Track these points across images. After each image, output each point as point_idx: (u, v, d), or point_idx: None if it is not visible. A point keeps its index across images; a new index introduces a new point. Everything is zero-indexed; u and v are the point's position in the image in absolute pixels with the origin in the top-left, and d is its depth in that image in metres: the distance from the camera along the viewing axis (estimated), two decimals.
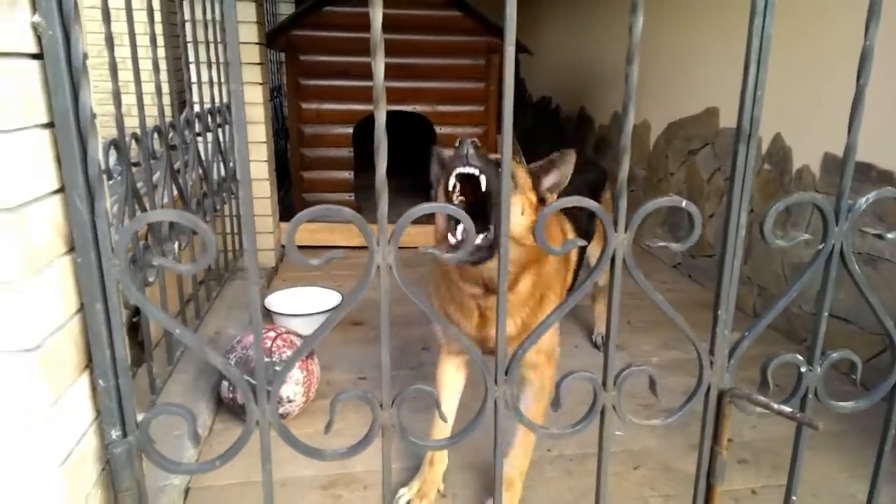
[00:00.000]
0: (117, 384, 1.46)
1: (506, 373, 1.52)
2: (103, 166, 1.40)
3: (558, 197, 2.18)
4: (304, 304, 4.10)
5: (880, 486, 1.86)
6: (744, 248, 1.57)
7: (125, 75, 2.14)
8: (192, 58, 3.56)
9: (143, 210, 2.33)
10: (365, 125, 5.62)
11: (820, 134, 3.77)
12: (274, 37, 5.53)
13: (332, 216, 1.35)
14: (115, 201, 2.19)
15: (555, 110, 8.20)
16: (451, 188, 1.94)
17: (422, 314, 1.48)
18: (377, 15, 1.23)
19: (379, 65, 1.26)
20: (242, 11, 4.28)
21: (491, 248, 1.91)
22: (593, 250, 3.21)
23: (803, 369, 1.69)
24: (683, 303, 4.43)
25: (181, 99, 3.38)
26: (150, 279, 2.18)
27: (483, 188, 1.88)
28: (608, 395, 1.60)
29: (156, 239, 2.41)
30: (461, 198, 1.97)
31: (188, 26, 3.43)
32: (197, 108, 3.50)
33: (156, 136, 2.66)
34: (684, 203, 1.49)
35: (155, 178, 2.57)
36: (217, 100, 3.86)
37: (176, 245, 2.56)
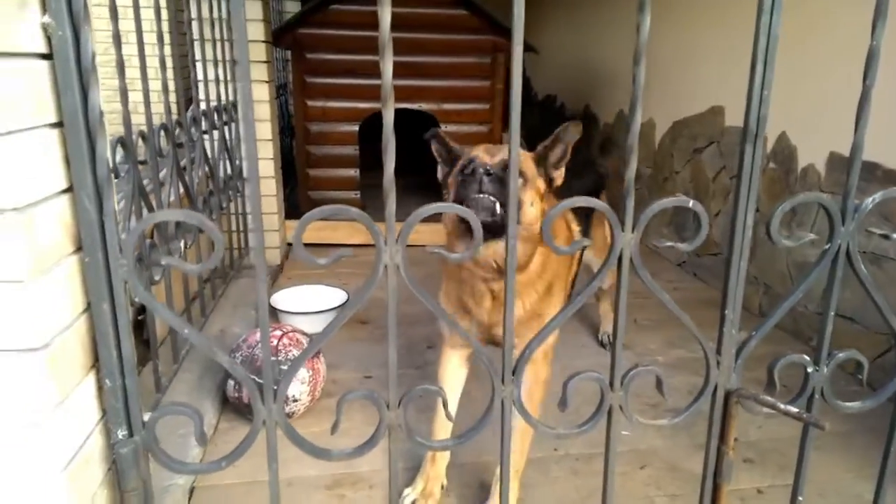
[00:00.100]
0: (124, 384, 1.46)
1: (513, 373, 1.53)
2: (111, 165, 1.40)
3: (558, 195, 2.20)
4: (309, 303, 4.11)
5: (886, 486, 1.85)
6: (749, 246, 1.57)
7: (132, 72, 2.14)
8: (198, 56, 3.57)
9: (150, 208, 2.33)
10: (371, 123, 5.63)
11: (825, 133, 3.76)
12: (280, 35, 5.52)
13: (340, 216, 1.35)
14: (122, 198, 2.20)
15: (560, 108, 8.18)
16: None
17: (428, 313, 1.49)
18: (385, 15, 1.23)
19: (387, 64, 1.26)
20: (249, 9, 4.28)
21: (502, 227, 1.93)
22: (588, 250, 3.22)
23: (810, 369, 1.68)
24: (689, 301, 4.40)
25: (188, 96, 3.38)
26: (157, 277, 2.18)
27: (498, 211, 1.96)
28: (615, 396, 1.60)
29: (162, 237, 2.41)
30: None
31: (195, 24, 3.43)
32: (203, 106, 3.51)
33: (162, 133, 2.66)
34: (691, 203, 1.49)
35: (161, 175, 2.57)
36: (223, 97, 3.86)
37: (182, 243, 2.57)
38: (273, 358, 2.81)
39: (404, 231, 1.36)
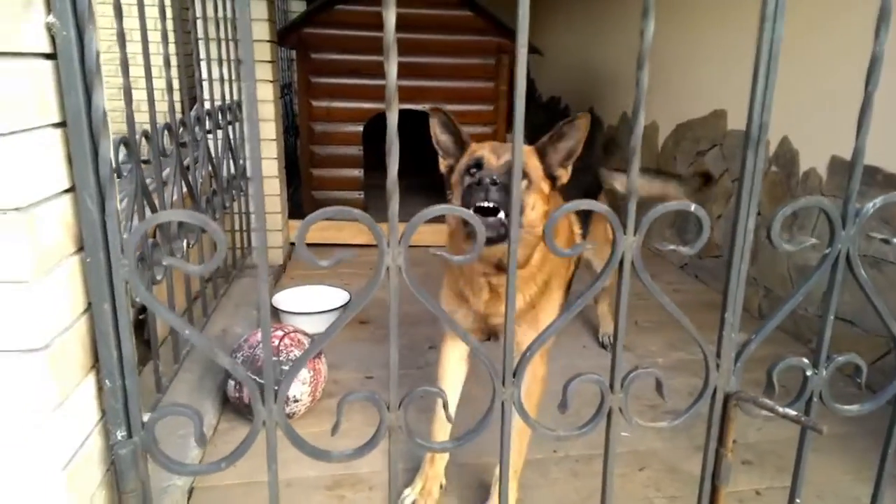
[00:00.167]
0: (123, 384, 1.46)
1: (514, 375, 1.53)
2: (114, 165, 1.40)
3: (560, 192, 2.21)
4: (311, 303, 4.12)
5: (884, 488, 1.86)
6: (750, 250, 1.57)
7: (136, 71, 2.14)
8: (203, 55, 3.57)
9: (153, 207, 2.34)
10: (375, 123, 5.63)
11: (827, 137, 3.76)
12: (285, 34, 5.53)
13: (342, 217, 1.35)
14: (124, 197, 2.20)
15: (564, 110, 8.18)
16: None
17: (430, 313, 1.49)
18: (390, 17, 1.24)
19: (392, 66, 1.26)
20: (254, 9, 4.27)
21: (505, 228, 1.93)
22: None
23: (809, 373, 1.69)
24: (690, 303, 4.42)
25: (192, 95, 3.38)
26: (158, 277, 2.19)
27: (502, 218, 1.95)
28: (615, 398, 1.61)
29: (165, 237, 2.41)
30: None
31: (200, 23, 3.43)
32: (207, 105, 3.51)
33: (166, 132, 2.66)
34: (693, 207, 1.49)
35: (165, 174, 2.57)
36: (227, 97, 3.87)
37: (185, 242, 2.57)
38: (274, 358, 2.82)
39: (407, 233, 1.36)
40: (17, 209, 1.25)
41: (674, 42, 5.31)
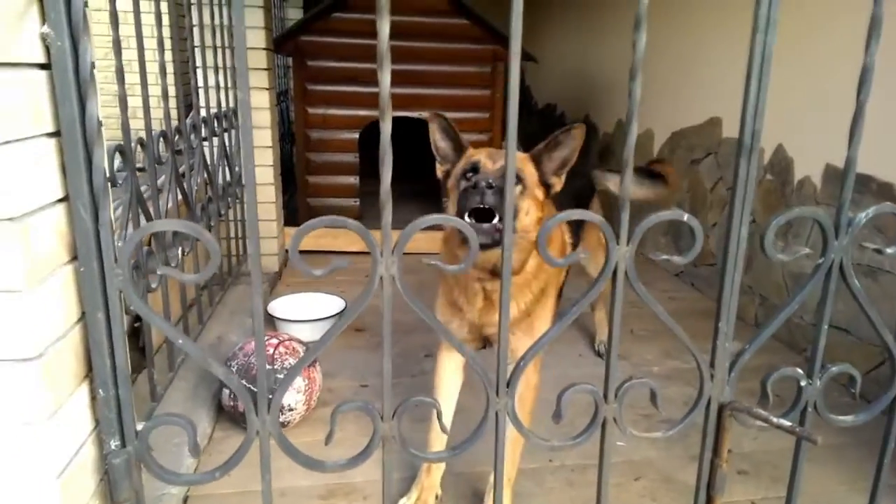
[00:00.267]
0: (117, 394, 1.46)
1: (507, 385, 1.53)
2: (108, 174, 1.40)
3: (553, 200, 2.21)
4: (307, 310, 4.10)
5: (880, 499, 1.86)
6: (745, 258, 1.57)
7: (131, 77, 2.14)
8: (199, 62, 3.57)
9: (147, 216, 2.34)
10: (371, 130, 5.63)
11: (821, 145, 3.77)
12: (282, 42, 5.55)
13: (335, 225, 1.35)
14: (119, 205, 2.20)
15: (560, 117, 8.20)
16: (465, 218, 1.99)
17: (425, 320, 1.49)
18: (384, 27, 1.24)
19: (385, 77, 1.27)
20: (251, 17, 4.29)
21: (500, 233, 1.93)
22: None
23: (803, 383, 1.69)
24: (685, 312, 4.43)
25: (187, 103, 3.38)
26: (153, 285, 2.18)
27: (497, 220, 1.96)
28: (609, 408, 1.61)
29: (160, 245, 2.41)
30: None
31: (196, 31, 3.44)
32: (203, 113, 3.51)
33: (161, 140, 2.66)
34: (686, 217, 1.49)
35: (160, 182, 2.57)
36: (223, 104, 3.87)
37: (180, 250, 2.57)
38: (269, 367, 2.81)
39: (401, 242, 1.37)
40: (10, 219, 1.24)
41: (669, 50, 5.33)
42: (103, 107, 1.36)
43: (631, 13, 1.34)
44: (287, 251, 5.11)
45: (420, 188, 5.55)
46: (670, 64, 5.34)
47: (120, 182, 2.16)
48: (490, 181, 1.95)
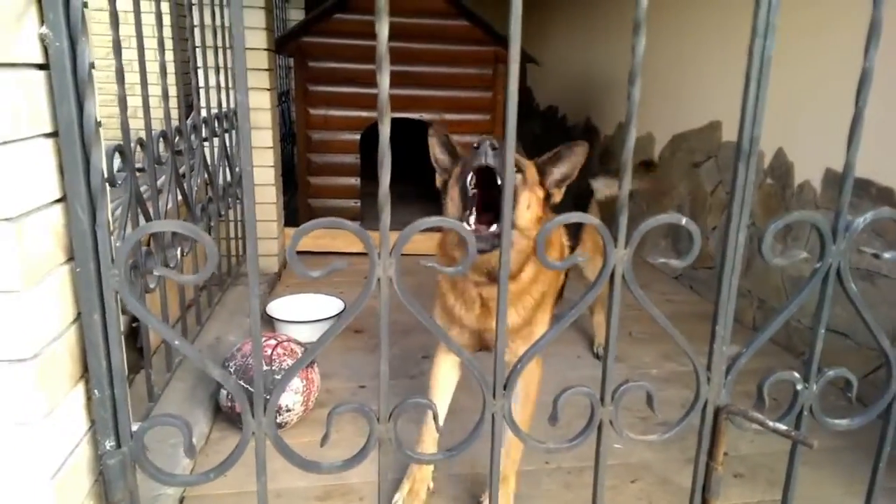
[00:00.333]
0: (112, 395, 1.46)
1: (504, 387, 1.53)
2: (107, 174, 1.40)
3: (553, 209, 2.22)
4: (306, 311, 4.11)
5: (875, 502, 1.86)
6: (744, 261, 1.57)
7: (132, 77, 2.14)
8: (199, 63, 3.57)
9: (147, 216, 2.34)
10: (372, 131, 5.61)
11: (821, 149, 3.76)
12: (283, 42, 5.54)
13: (334, 227, 1.35)
14: (118, 206, 2.20)
15: (562, 119, 8.20)
16: (469, 182, 1.99)
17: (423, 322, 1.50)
18: (383, 29, 1.24)
19: (384, 79, 1.27)
20: (252, 18, 4.28)
21: (498, 237, 1.94)
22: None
23: (799, 387, 1.69)
24: (683, 314, 4.42)
25: (188, 103, 3.38)
26: (152, 286, 2.18)
27: (498, 181, 1.92)
28: (605, 411, 1.61)
29: (158, 245, 2.41)
30: (475, 190, 2.02)
31: (197, 31, 3.44)
32: (204, 113, 3.51)
33: (161, 140, 2.66)
34: (684, 221, 1.50)
35: (160, 182, 2.57)
36: (224, 104, 3.87)
37: (178, 251, 2.57)
38: (266, 368, 2.81)
39: (399, 244, 1.37)
40: (7, 219, 1.25)
41: (670, 53, 5.33)
42: (103, 107, 1.36)
43: (633, 16, 1.35)
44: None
45: (420, 189, 5.53)
46: (671, 67, 5.34)
47: (119, 182, 2.16)
48: (493, 143, 1.95)
